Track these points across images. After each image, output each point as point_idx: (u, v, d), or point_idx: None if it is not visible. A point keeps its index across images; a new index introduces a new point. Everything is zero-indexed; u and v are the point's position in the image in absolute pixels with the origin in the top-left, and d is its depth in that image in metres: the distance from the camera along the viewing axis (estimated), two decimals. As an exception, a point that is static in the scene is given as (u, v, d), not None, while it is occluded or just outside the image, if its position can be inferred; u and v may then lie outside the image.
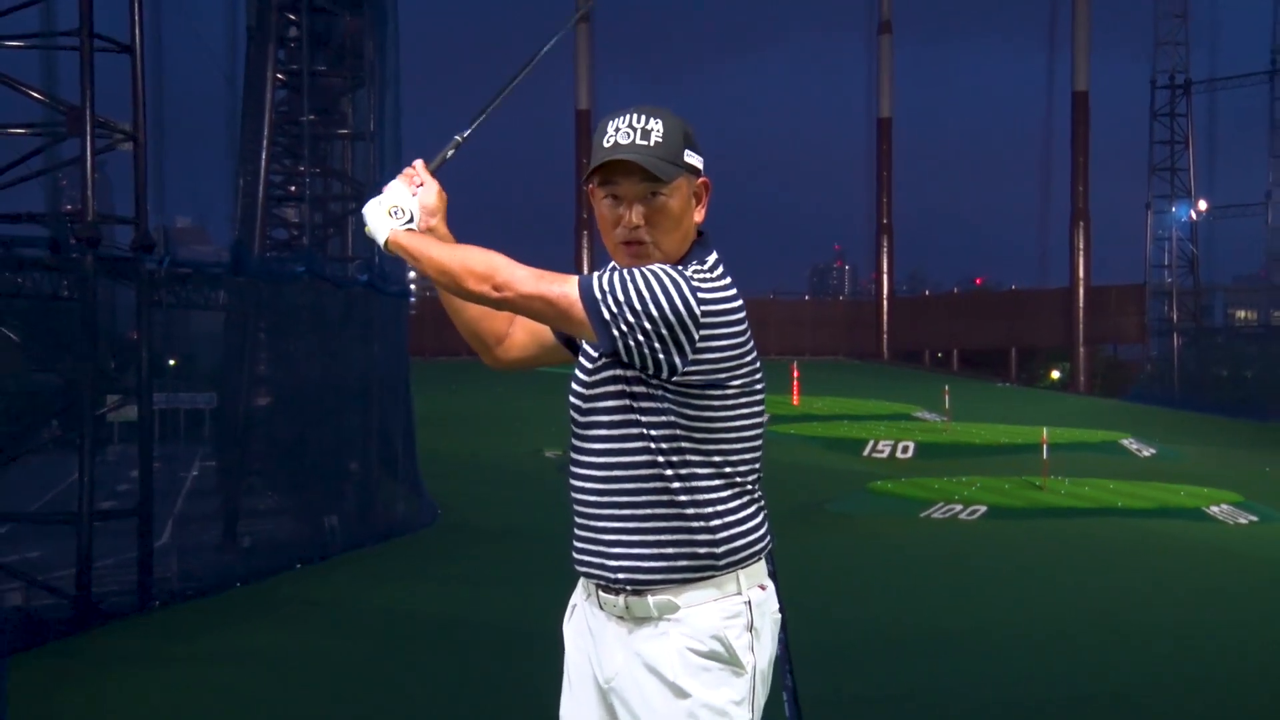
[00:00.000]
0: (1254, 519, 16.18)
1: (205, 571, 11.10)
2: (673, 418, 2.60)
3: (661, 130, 2.63)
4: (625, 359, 2.54)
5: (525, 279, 2.56)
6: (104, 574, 9.93)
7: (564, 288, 2.55)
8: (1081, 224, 48.45)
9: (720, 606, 2.63)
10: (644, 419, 2.61)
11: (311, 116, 15.17)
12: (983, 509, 16.06)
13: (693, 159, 2.68)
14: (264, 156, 14.29)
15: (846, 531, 14.94)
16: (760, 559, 2.71)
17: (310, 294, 13.32)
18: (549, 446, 21.59)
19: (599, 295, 2.52)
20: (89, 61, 9.75)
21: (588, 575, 2.74)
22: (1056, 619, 9.92)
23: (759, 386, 2.68)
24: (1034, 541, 14.18)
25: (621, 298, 2.50)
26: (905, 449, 23.99)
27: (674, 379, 2.56)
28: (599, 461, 2.67)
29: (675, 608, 2.62)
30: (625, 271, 2.55)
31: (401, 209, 2.73)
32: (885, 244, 54.40)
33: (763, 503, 2.72)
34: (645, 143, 2.61)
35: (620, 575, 2.65)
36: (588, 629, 2.76)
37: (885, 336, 53.86)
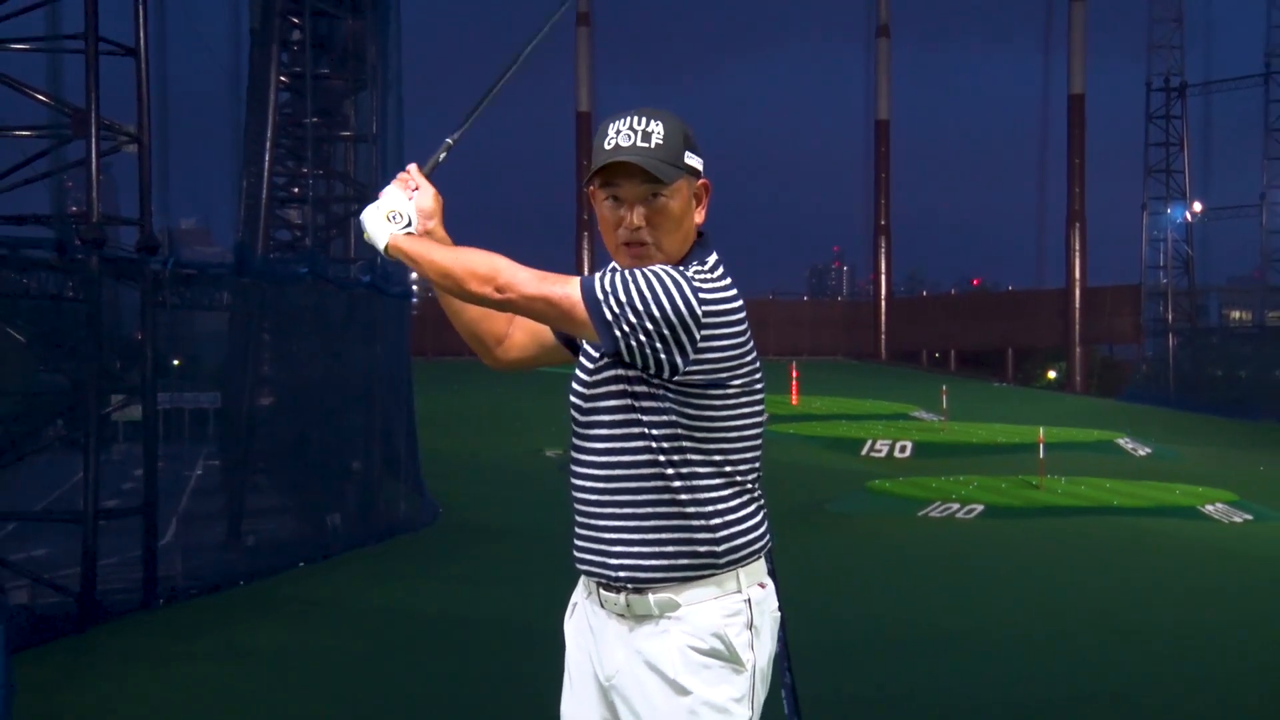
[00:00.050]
0: (1248, 518, 16.18)
1: (209, 570, 11.09)
2: (674, 417, 2.60)
3: (662, 132, 2.63)
4: (627, 359, 2.54)
5: (527, 280, 2.56)
6: (109, 572, 9.93)
7: (566, 289, 2.55)
8: (1078, 225, 48.47)
9: (720, 604, 2.63)
10: (645, 418, 2.61)
11: (314, 119, 15.16)
12: (980, 508, 16.05)
13: (693, 160, 2.68)
14: (267, 158, 14.28)
15: (845, 530, 14.94)
16: (760, 557, 2.71)
17: (313, 295, 13.31)
18: (549, 446, 21.59)
19: (601, 296, 2.52)
20: (94, 64, 9.74)
21: (589, 573, 2.74)
22: (1054, 617, 9.92)
23: (759, 386, 2.68)
24: (1031, 540, 14.18)
25: (623, 298, 2.50)
26: (903, 448, 23.99)
27: (675, 379, 2.56)
28: (600, 460, 2.67)
29: (676, 606, 2.63)
30: (627, 272, 2.55)
31: (399, 213, 2.73)
32: (883, 245, 54.43)
33: (762, 501, 2.72)
34: (646, 145, 2.61)
35: (621, 573, 2.65)
36: (589, 627, 2.76)
37: (883, 337, 53.89)
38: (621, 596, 2.67)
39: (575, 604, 2.84)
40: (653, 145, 2.62)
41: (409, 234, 2.72)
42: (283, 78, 14.78)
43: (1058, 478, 18.69)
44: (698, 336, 2.53)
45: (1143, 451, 25.33)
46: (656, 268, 2.57)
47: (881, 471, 20.99)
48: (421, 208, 2.76)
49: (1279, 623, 9.82)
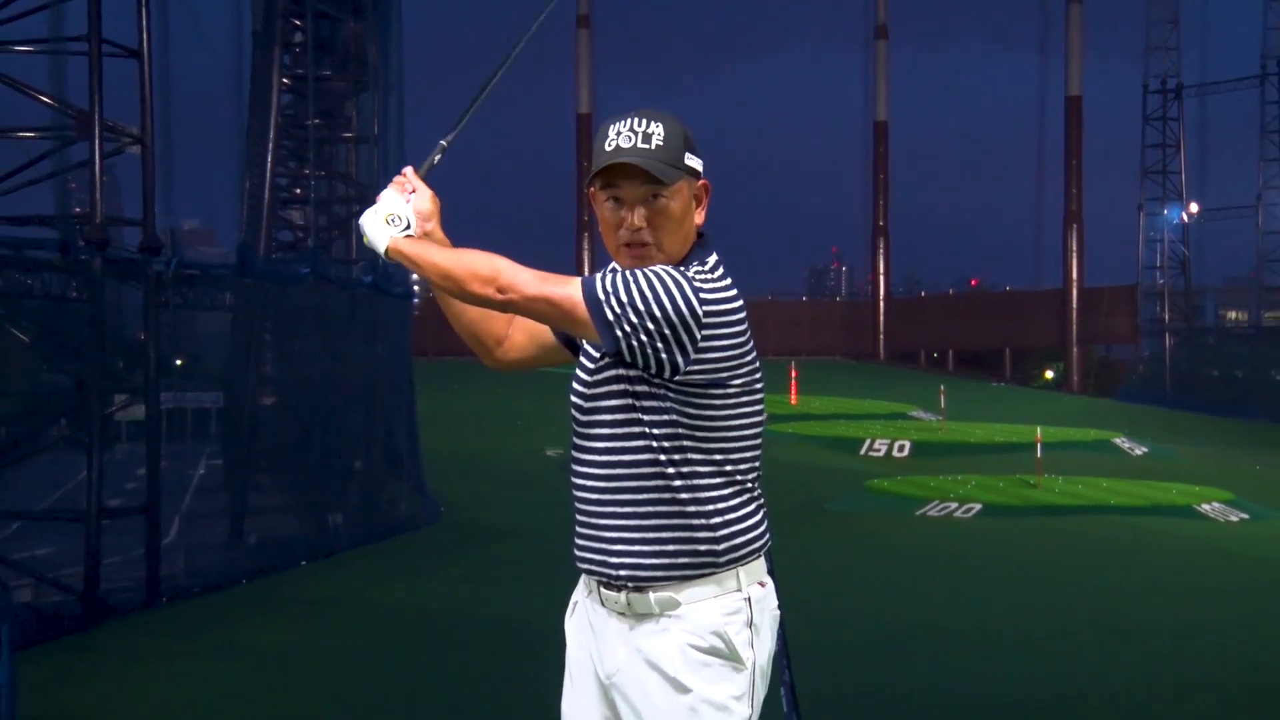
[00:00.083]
0: (1244, 517, 16.19)
1: (211, 568, 11.09)
2: (675, 416, 2.60)
3: (662, 134, 2.63)
4: (628, 359, 2.54)
5: (529, 281, 2.56)
6: (112, 571, 9.92)
7: (567, 289, 2.55)
8: (1075, 226, 48.47)
9: (720, 603, 2.63)
10: (646, 418, 2.61)
11: (316, 120, 15.16)
12: (978, 507, 16.05)
13: (693, 162, 2.68)
14: (269, 159, 14.28)
15: (843, 529, 14.94)
16: (760, 556, 2.71)
17: (315, 295, 13.31)
18: (550, 445, 21.58)
19: (602, 296, 2.52)
20: (97, 66, 9.74)
21: (589, 572, 2.74)
22: (1052, 615, 9.91)
23: (759, 385, 2.68)
24: (1028, 539, 14.17)
25: (625, 298, 2.50)
26: (902, 448, 23.99)
27: (676, 378, 2.56)
28: (601, 460, 2.67)
29: (676, 604, 2.63)
30: (628, 272, 2.55)
31: (398, 216, 2.73)
32: (882, 246, 54.42)
33: (762, 500, 2.72)
34: (646, 146, 2.62)
35: (622, 572, 2.65)
36: (589, 625, 2.76)
37: (882, 337, 53.87)
38: (622, 595, 2.67)
39: (576, 603, 2.84)
40: (653, 146, 2.62)
41: (409, 237, 2.72)
42: (285, 79, 14.77)
43: (1055, 477, 18.69)
44: (698, 336, 2.53)
45: (1139, 451, 25.34)
46: (657, 268, 2.57)
47: (880, 471, 20.98)
48: (419, 210, 2.76)
49: (1275, 621, 9.81)
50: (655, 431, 2.61)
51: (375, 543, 13.16)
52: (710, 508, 2.63)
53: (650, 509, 2.63)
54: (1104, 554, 13.19)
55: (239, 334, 13.41)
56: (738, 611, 2.64)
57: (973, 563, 12.76)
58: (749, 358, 2.65)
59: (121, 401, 10.68)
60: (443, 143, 2.89)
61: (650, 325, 2.50)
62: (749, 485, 2.69)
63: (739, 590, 2.65)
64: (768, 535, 2.74)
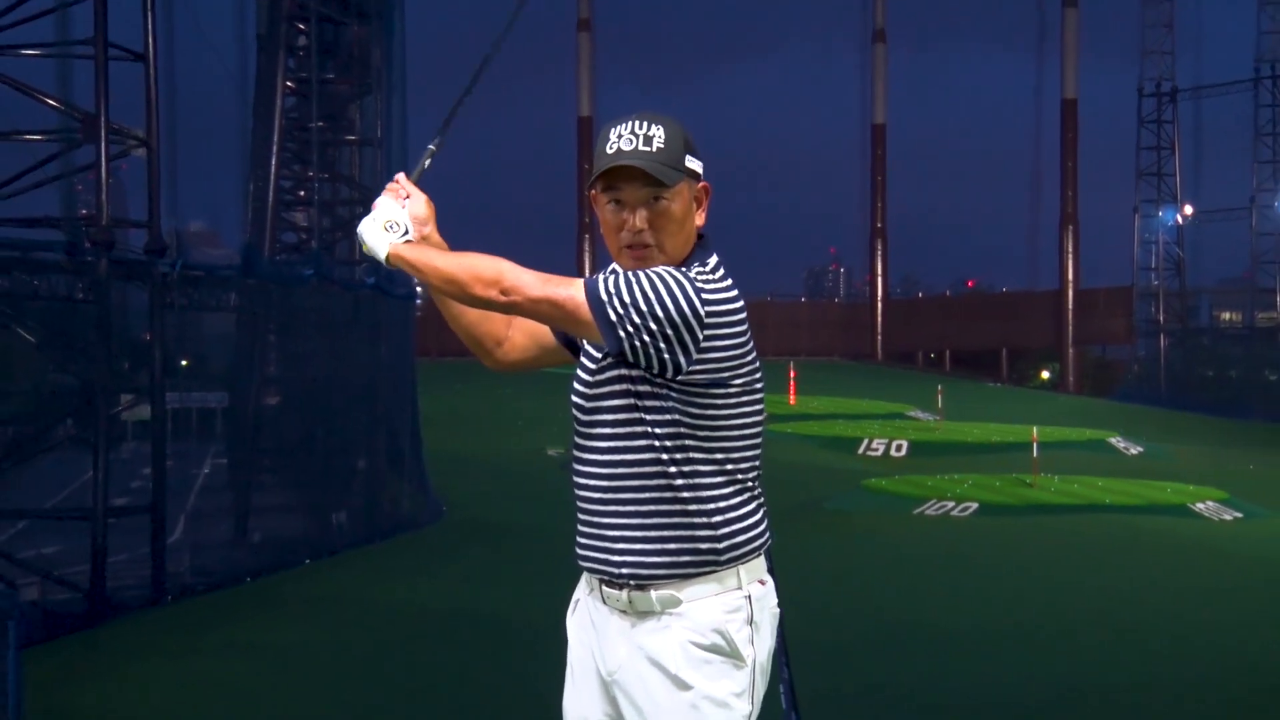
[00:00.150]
0: (1238, 515, 16.19)
1: (216, 567, 11.09)
2: (677, 416, 2.60)
3: (663, 136, 2.63)
4: (631, 359, 2.54)
5: (532, 283, 2.56)
6: (118, 569, 9.92)
7: (570, 291, 2.55)
8: (1070, 228, 48.45)
9: (721, 601, 2.63)
10: (649, 417, 2.61)
11: (320, 123, 15.17)
12: (974, 506, 16.05)
13: (693, 164, 2.68)
14: (274, 162, 14.28)
15: (842, 528, 14.93)
16: (760, 554, 2.71)
17: (319, 296, 13.32)
18: (551, 445, 21.58)
19: (605, 297, 2.52)
20: (103, 70, 9.75)
21: (591, 570, 2.74)
22: (1048, 613, 9.92)
23: (759, 385, 2.68)
24: (1025, 537, 14.17)
25: (627, 299, 2.50)
26: (899, 447, 23.98)
27: (678, 378, 2.56)
28: (603, 459, 2.66)
29: (677, 602, 2.63)
30: (630, 273, 2.55)
31: (396, 223, 2.73)
32: (879, 247, 54.38)
33: (762, 499, 2.72)
34: (648, 148, 2.61)
35: (624, 570, 2.65)
36: (591, 623, 2.76)
37: (879, 337, 53.83)
38: (624, 593, 2.67)
39: (577, 600, 2.84)
40: (654, 149, 2.62)
41: (408, 242, 2.72)
42: (289, 83, 14.78)
43: (1051, 476, 18.68)
44: (700, 336, 2.53)
45: (1135, 450, 25.33)
46: (659, 269, 2.57)
47: (878, 470, 20.98)
48: (415, 215, 2.76)
49: (1269, 620, 9.80)
50: (658, 431, 2.60)
51: (378, 541, 13.17)
52: (711, 506, 2.63)
53: (652, 508, 2.63)
54: (1100, 552, 13.19)
55: (243, 334, 13.42)
56: (738, 609, 2.64)
57: (970, 561, 12.75)
58: (750, 358, 2.65)
59: (127, 401, 10.69)
60: (431, 147, 2.90)
61: (653, 325, 2.50)
62: (750, 484, 2.68)
63: (740, 588, 2.65)
64: (768, 534, 2.74)
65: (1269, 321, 42.86)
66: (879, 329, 53.77)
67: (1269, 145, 43.02)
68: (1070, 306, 48.06)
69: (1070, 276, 48.29)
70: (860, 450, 24.00)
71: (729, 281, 2.64)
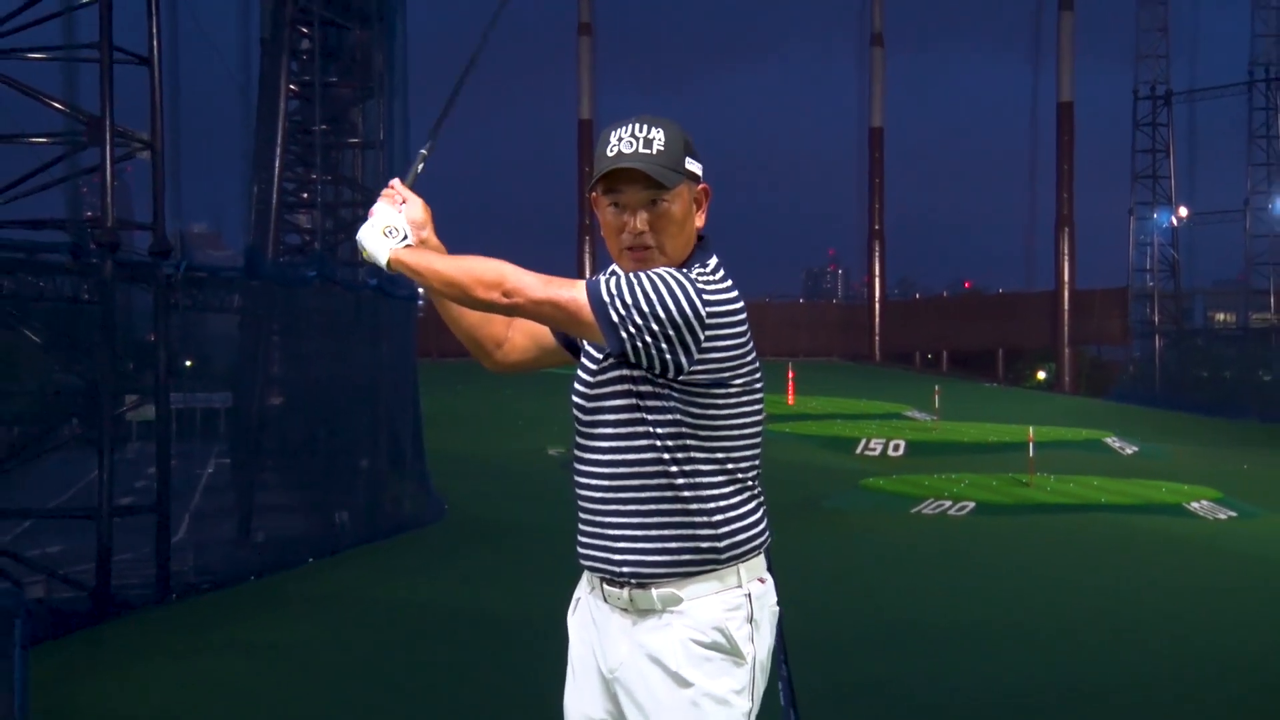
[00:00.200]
0: (1233, 514, 16.18)
1: (220, 565, 11.08)
2: (678, 415, 2.60)
3: (663, 139, 2.64)
4: (633, 359, 2.55)
5: (534, 285, 2.56)
6: (122, 568, 9.92)
7: (572, 292, 2.55)
8: (1066, 230, 48.44)
9: (722, 599, 2.64)
10: (650, 417, 2.61)
11: (323, 126, 15.18)
12: (971, 505, 16.04)
13: (693, 166, 2.68)
14: (277, 164, 14.28)
15: (840, 527, 14.93)
16: (760, 553, 2.71)
17: (322, 297, 13.32)
18: (552, 445, 21.57)
19: (606, 298, 2.52)
20: (108, 73, 9.74)
21: (592, 569, 2.74)
22: (1044, 611, 9.92)
23: (759, 385, 2.69)
24: (1021, 536, 14.17)
25: (629, 300, 2.51)
26: (896, 447, 23.97)
27: (680, 378, 2.57)
28: (605, 459, 2.67)
29: (678, 600, 2.63)
30: (631, 275, 2.56)
31: (395, 228, 2.73)
32: (877, 249, 54.37)
33: (763, 498, 2.73)
34: (648, 151, 2.62)
35: (625, 569, 2.65)
36: (592, 621, 2.76)
37: (877, 338, 53.83)
38: (625, 591, 2.67)
39: (578, 599, 2.84)
40: (654, 151, 2.62)
41: (408, 247, 2.72)
42: (292, 86, 14.78)
43: (1047, 475, 18.68)
44: (702, 337, 2.54)
45: (1130, 450, 25.32)
46: (660, 270, 2.58)
47: (875, 469, 20.98)
48: (413, 219, 2.76)
49: (1266, 619, 9.80)
50: (659, 431, 2.61)
51: (380, 540, 13.16)
52: (712, 505, 2.63)
53: (654, 507, 2.63)
54: (1095, 551, 13.19)
55: (247, 335, 13.41)
56: (738, 607, 2.64)
57: (966, 560, 12.75)
58: (750, 358, 2.66)
59: (132, 402, 10.68)
60: (423, 151, 2.91)
61: (654, 326, 2.50)
62: (750, 483, 2.69)
63: (740, 586, 2.66)
64: (768, 532, 2.74)
65: (1263, 323, 42.88)
66: (877, 330, 53.76)
67: (1263, 148, 43.04)
68: (1066, 307, 48.05)
69: (1066, 278, 48.27)
70: (858, 450, 23.98)
71: (729, 282, 2.64)
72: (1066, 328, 48.03)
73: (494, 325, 2.90)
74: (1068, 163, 48.91)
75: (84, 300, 10.13)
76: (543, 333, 2.90)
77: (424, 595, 10.53)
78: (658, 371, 2.56)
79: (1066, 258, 48.14)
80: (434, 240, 2.78)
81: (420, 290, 2.72)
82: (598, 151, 2.68)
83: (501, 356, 2.93)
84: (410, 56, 15.52)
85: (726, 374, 2.60)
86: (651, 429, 2.61)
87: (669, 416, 2.60)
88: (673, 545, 2.63)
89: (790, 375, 30.74)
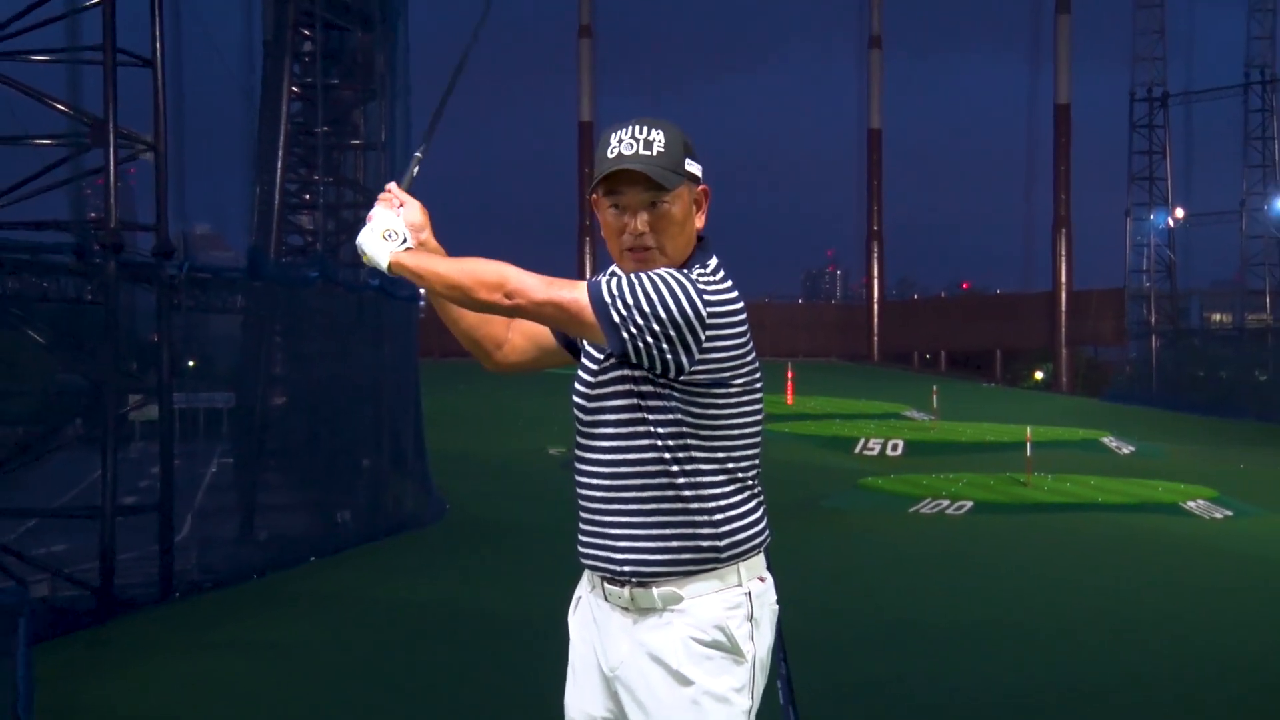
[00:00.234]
0: (1229, 514, 16.19)
1: (223, 564, 11.08)
2: (679, 415, 2.60)
3: (663, 140, 2.64)
4: (634, 360, 2.55)
5: (536, 286, 2.56)
6: (126, 566, 9.92)
7: (574, 293, 2.55)
8: (1064, 231, 48.45)
9: (722, 597, 2.64)
10: (651, 417, 2.61)
11: (325, 127, 15.17)
12: (969, 504, 16.05)
13: (693, 167, 2.68)
14: (279, 166, 14.28)
15: (838, 526, 14.93)
16: (760, 552, 2.71)
17: (324, 298, 13.32)
18: (552, 444, 21.57)
19: (608, 299, 2.52)
20: (112, 75, 9.74)
21: (593, 568, 2.74)
22: (1041, 609, 9.92)
23: (759, 385, 2.69)
24: (1019, 535, 14.17)
25: (630, 301, 2.51)
26: (895, 447, 23.97)
27: (681, 378, 2.57)
28: (606, 459, 2.67)
29: (679, 599, 2.63)
30: (632, 275, 2.56)
31: (394, 231, 2.72)
32: (876, 250, 54.38)
33: (762, 497, 2.73)
34: (648, 153, 2.62)
35: (626, 568, 2.65)
36: (592, 619, 2.76)
37: (876, 339, 53.83)
38: (626, 590, 2.67)
39: (579, 597, 2.84)
40: (654, 153, 2.62)
41: (408, 250, 2.71)
42: (295, 88, 14.78)
43: (1044, 475, 18.68)
44: (703, 337, 2.54)
45: (1126, 450, 25.32)
46: (661, 271, 2.58)
47: (874, 469, 20.98)
48: (411, 222, 2.75)
49: (1261, 617, 9.80)
50: (660, 431, 2.61)
51: (382, 539, 13.16)
52: (713, 504, 2.63)
53: (655, 506, 2.63)
54: (1092, 550, 13.19)
55: (250, 336, 13.40)
56: (739, 606, 2.64)
57: (964, 559, 12.75)
58: (750, 358, 2.66)
59: (135, 402, 10.68)
60: (417, 154, 2.90)
61: (655, 327, 2.50)
62: (750, 482, 2.69)
63: (740, 585, 2.66)
64: (768, 531, 2.74)
65: (1258, 323, 42.87)
66: (875, 330, 53.77)
67: (1259, 149, 43.05)
68: (1063, 308, 48.05)
69: (1063, 278, 48.28)
70: (857, 450, 23.98)
71: (729, 283, 2.64)
72: (1064, 328, 48.04)
73: (493, 326, 2.89)
74: (1065, 164, 48.94)
75: (88, 301, 10.13)
76: (542, 333, 2.90)
77: (425, 594, 10.53)
78: (659, 371, 2.56)
79: (1064, 258, 48.15)
80: (433, 242, 2.77)
81: (421, 291, 2.71)
82: (598, 153, 2.68)
83: (501, 357, 2.93)
84: (411, 59, 15.53)
85: (727, 374, 2.60)
86: (653, 429, 2.61)
87: (670, 416, 2.60)
88: (674, 544, 2.63)
89: (789, 375, 30.74)
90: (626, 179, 2.62)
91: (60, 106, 10.16)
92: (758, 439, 2.70)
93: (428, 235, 2.77)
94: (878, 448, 24.00)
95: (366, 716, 6.95)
